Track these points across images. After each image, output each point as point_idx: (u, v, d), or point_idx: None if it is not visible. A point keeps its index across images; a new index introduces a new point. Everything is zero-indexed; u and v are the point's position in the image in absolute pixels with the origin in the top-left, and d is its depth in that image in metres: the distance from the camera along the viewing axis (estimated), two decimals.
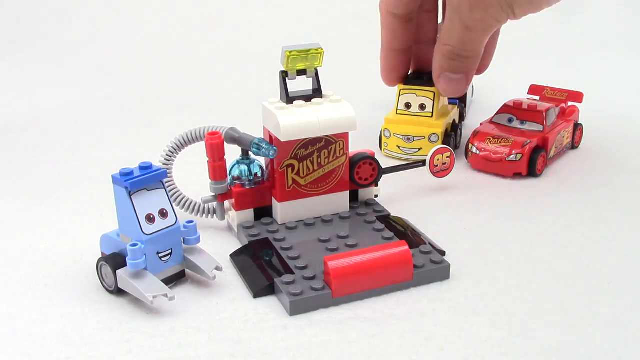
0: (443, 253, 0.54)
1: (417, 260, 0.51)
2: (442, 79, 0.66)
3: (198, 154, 0.62)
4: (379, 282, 0.49)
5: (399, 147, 0.73)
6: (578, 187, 0.68)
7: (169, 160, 0.60)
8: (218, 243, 0.57)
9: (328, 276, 0.48)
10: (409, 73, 0.74)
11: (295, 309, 0.47)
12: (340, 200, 0.59)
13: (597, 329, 0.45)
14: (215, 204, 0.59)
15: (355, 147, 0.61)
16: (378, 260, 0.49)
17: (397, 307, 0.48)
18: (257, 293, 0.49)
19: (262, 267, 0.51)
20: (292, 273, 0.50)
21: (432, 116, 0.72)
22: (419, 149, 0.72)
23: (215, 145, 0.55)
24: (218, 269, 0.51)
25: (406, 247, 0.50)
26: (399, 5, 0.68)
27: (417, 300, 0.49)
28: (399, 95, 0.73)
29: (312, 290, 0.48)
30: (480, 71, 0.72)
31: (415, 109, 0.73)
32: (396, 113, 0.74)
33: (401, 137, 0.73)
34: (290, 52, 0.56)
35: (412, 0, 0.68)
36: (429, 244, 0.54)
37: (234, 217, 0.58)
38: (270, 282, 0.49)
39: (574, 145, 0.78)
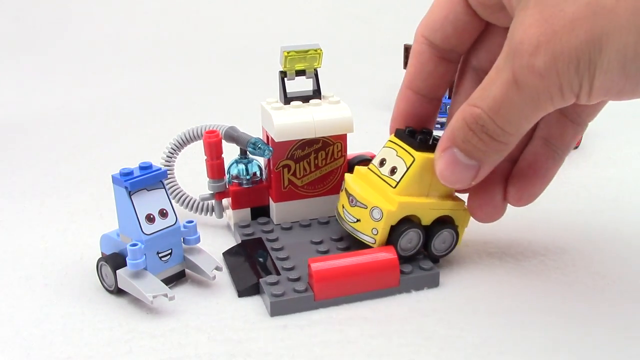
0: (436, 260, 0.53)
1: (405, 267, 0.50)
2: (445, 156, 0.44)
3: (198, 153, 0.62)
4: (364, 286, 0.48)
5: (343, 207, 0.53)
6: (578, 187, 0.68)
7: (170, 159, 0.60)
8: (218, 242, 0.57)
9: (311, 278, 0.48)
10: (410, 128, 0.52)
11: (276, 310, 0.47)
12: None
13: (597, 329, 0.45)
14: (213, 201, 0.59)
15: (354, 149, 0.61)
16: (363, 265, 0.48)
17: (397, 307, 0.48)
18: (242, 292, 0.49)
19: (251, 266, 0.51)
20: (279, 274, 0.49)
21: (395, 186, 0.50)
22: (357, 220, 0.51)
23: (213, 144, 0.55)
24: (218, 269, 0.50)
25: (393, 253, 0.49)
26: (438, 31, 0.48)
27: (417, 300, 0.49)
28: (383, 147, 0.53)
29: (294, 292, 0.47)
30: (532, 195, 0.50)
31: (386, 170, 0.51)
32: (368, 167, 0.53)
33: (347, 196, 0.52)
34: (288, 53, 0.56)
35: (459, 32, 0.47)
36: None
37: (231, 215, 0.58)
38: (256, 282, 0.49)
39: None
